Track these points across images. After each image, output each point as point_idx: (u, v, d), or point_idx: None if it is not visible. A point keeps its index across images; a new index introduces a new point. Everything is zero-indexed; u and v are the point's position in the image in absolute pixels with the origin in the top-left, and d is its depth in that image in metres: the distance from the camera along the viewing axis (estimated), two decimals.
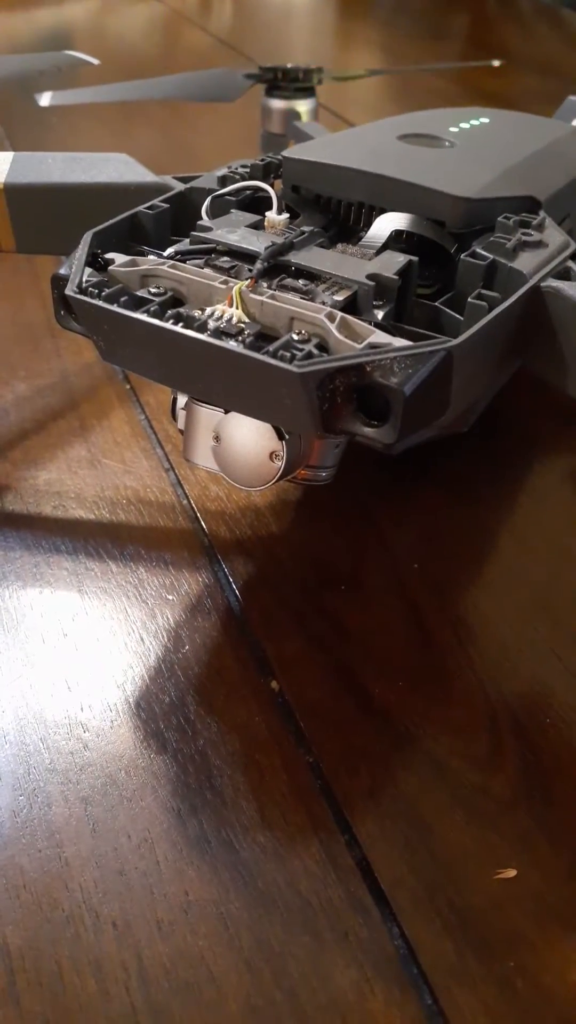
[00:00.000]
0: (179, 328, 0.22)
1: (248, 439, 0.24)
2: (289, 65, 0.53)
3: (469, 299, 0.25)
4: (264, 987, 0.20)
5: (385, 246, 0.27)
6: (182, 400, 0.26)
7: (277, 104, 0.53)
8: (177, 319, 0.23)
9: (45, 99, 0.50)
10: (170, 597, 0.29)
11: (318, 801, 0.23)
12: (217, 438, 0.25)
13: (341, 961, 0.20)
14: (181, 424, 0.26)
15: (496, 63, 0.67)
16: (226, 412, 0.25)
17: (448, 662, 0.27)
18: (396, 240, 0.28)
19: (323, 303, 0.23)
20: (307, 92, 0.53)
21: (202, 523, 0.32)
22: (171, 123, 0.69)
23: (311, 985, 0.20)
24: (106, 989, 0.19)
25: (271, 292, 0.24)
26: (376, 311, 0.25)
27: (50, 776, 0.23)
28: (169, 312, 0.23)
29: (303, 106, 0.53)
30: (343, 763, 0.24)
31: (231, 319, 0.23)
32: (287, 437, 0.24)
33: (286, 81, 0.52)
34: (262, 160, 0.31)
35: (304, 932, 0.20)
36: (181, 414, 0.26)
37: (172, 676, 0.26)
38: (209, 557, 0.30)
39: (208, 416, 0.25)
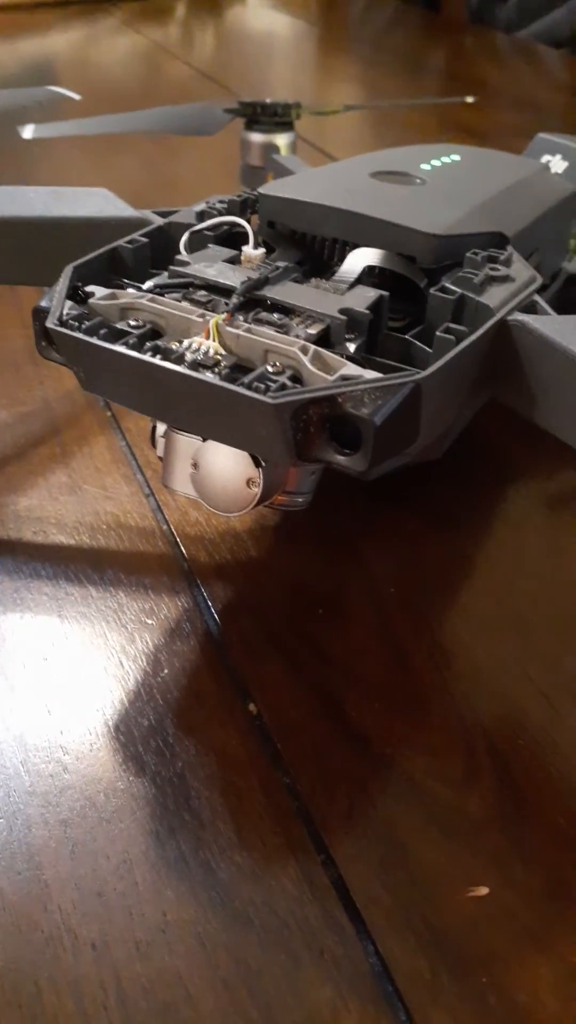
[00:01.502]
0: (157, 360, 0.23)
1: (225, 466, 0.25)
2: (268, 100, 0.54)
3: (437, 333, 0.25)
4: (241, 1005, 0.20)
5: (358, 281, 0.28)
6: (161, 428, 0.27)
7: (256, 138, 0.54)
8: (155, 351, 0.23)
9: (28, 132, 0.51)
10: (149, 621, 0.29)
11: (295, 822, 0.23)
12: (195, 465, 0.26)
13: (317, 979, 0.20)
14: (160, 451, 0.27)
15: (470, 99, 0.68)
16: (204, 440, 0.25)
17: (425, 685, 0.27)
18: (368, 275, 0.29)
19: (297, 336, 0.24)
20: (286, 126, 0.54)
21: (182, 548, 0.32)
22: (153, 153, 0.71)
23: (287, 1003, 0.20)
24: (84, 1010, 0.20)
25: (247, 326, 0.24)
26: (348, 344, 0.25)
27: (30, 799, 0.24)
28: (148, 344, 0.23)
29: (282, 140, 0.54)
30: (320, 784, 0.24)
31: (208, 351, 0.24)
32: (263, 464, 0.25)
33: (265, 116, 0.54)
34: (239, 196, 0.32)
35: (280, 950, 0.21)
36: (160, 442, 0.27)
37: (151, 700, 0.27)
38: (188, 581, 0.31)
39: (186, 444, 0.26)
